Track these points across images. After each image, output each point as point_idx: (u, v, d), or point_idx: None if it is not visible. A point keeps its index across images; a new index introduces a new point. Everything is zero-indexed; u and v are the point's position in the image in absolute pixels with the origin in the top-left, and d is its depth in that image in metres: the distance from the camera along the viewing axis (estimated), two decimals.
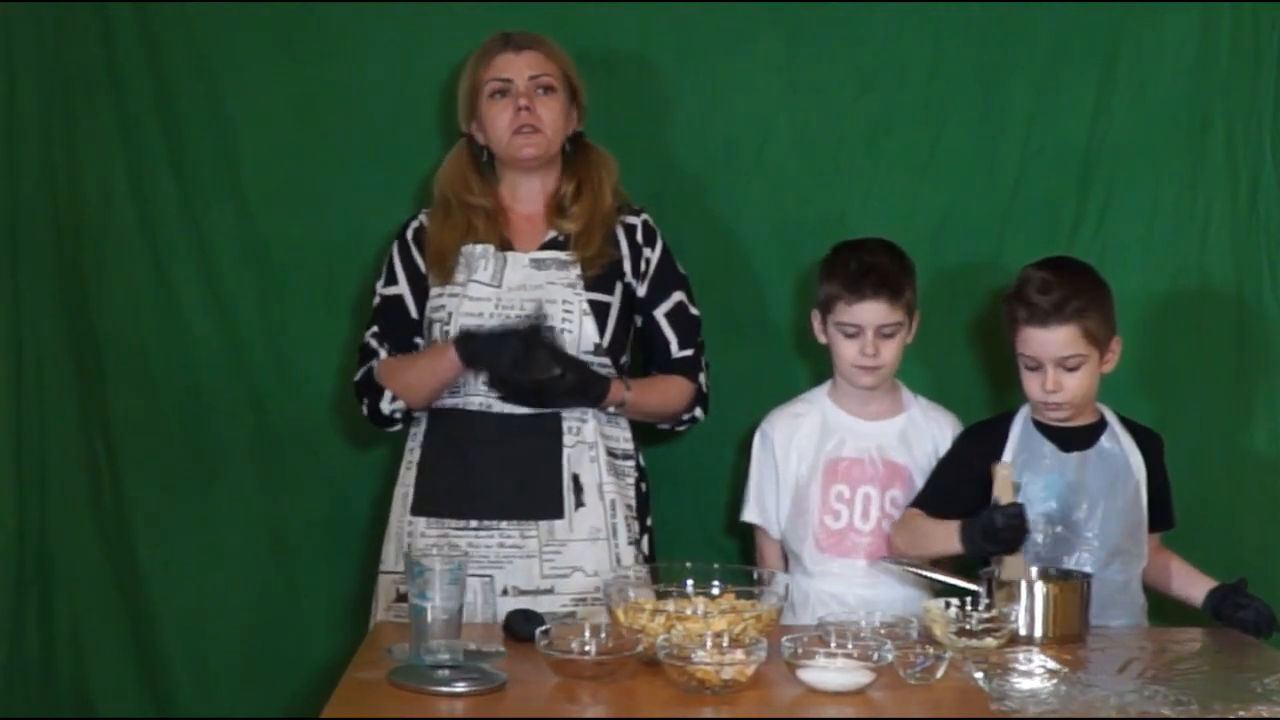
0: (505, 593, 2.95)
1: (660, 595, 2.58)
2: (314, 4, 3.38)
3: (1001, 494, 2.77)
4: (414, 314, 3.08)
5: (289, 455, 3.44)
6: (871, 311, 2.98)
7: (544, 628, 2.48)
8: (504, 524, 2.97)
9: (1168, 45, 3.33)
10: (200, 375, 3.43)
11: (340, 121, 3.39)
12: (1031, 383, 2.89)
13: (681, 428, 3.17)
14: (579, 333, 2.99)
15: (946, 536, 2.83)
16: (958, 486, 2.91)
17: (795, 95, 3.36)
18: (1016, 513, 2.74)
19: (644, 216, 3.13)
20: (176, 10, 3.38)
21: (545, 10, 3.31)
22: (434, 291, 3.06)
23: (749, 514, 3.15)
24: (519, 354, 2.87)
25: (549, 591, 2.94)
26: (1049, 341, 2.84)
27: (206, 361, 3.43)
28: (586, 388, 2.95)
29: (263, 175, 3.40)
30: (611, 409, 3.03)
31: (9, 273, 3.44)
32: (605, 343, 3.02)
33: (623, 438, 3.08)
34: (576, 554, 2.98)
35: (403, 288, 3.09)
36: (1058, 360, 2.85)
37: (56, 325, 3.44)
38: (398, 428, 3.10)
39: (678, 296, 3.12)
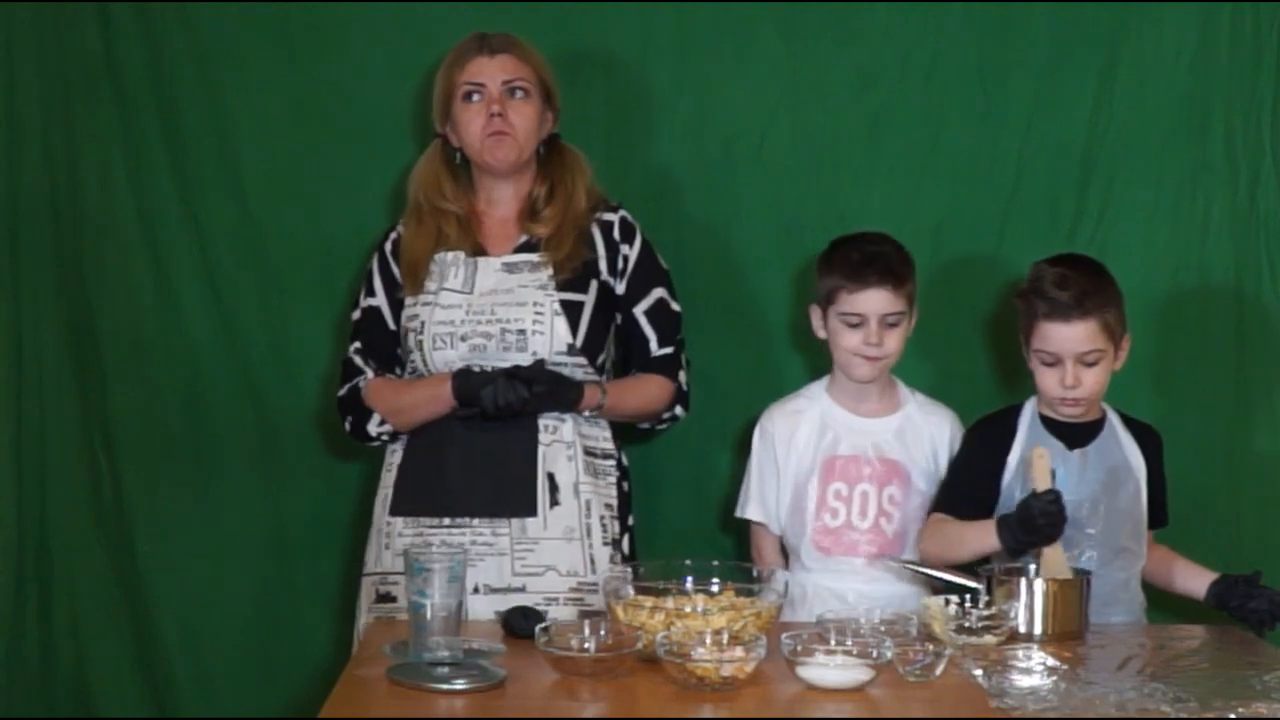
0: (477, 590, 2.93)
1: (657, 593, 2.58)
2: (313, 2, 3.38)
3: (1039, 481, 2.76)
4: (391, 325, 3.09)
5: (288, 452, 3.44)
6: (876, 300, 2.98)
7: (543, 625, 2.48)
8: (475, 521, 2.96)
9: (1167, 43, 3.33)
10: (200, 372, 3.44)
11: (340, 119, 3.39)
12: (1048, 378, 2.88)
13: (661, 426, 3.15)
14: (550, 334, 2.97)
15: (982, 535, 2.82)
16: (974, 483, 2.91)
17: (795, 93, 3.36)
18: (1054, 499, 2.72)
19: (621, 213, 3.10)
20: (176, 9, 3.39)
21: (545, 9, 3.31)
22: (408, 301, 3.05)
23: (750, 510, 3.14)
24: (507, 388, 2.88)
25: (520, 590, 2.92)
26: (1070, 337, 2.83)
27: (206, 358, 3.43)
28: (559, 395, 2.94)
29: (262, 173, 3.41)
30: (588, 413, 3.01)
31: (9, 271, 3.45)
32: (578, 343, 2.99)
33: (602, 437, 3.07)
34: (550, 553, 2.96)
35: (380, 299, 3.10)
36: (1078, 356, 2.84)
37: (56, 323, 3.45)
38: (378, 444, 3.11)
39: (658, 293, 3.10)
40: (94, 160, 3.42)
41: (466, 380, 2.93)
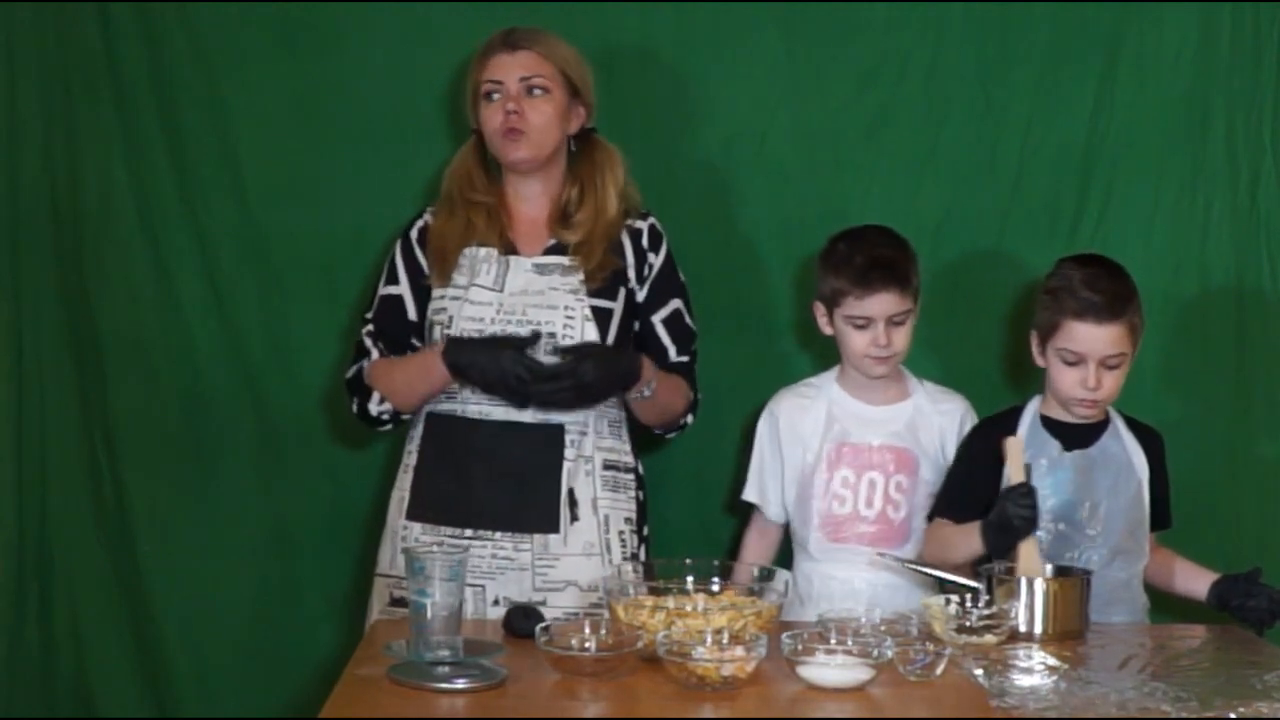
0: (497, 603, 2.92)
1: (660, 592, 2.58)
2: (314, 2, 3.38)
3: (1013, 471, 2.77)
4: (413, 315, 3.06)
5: (289, 451, 3.44)
6: (882, 303, 2.97)
7: (544, 624, 2.48)
8: (498, 535, 2.94)
9: (1168, 42, 3.33)
10: (200, 372, 3.44)
11: (340, 117, 3.39)
12: (1067, 378, 2.86)
13: (673, 434, 3.13)
14: (580, 339, 2.94)
15: (970, 539, 2.83)
16: (973, 486, 2.90)
17: (796, 91, 3.37)
18: (1026, 493, 2.73)
19: (651, 220, 3.08)
20: (176, 9, 3.39)
21: (545, 10, 3.30)
22: (435, 293, 3.02)
23: (749, 493, 3.15)
24: (517, 360, 2.83)
25: (541, 604, 2.87)
26: (1099, 338, 2.82)
27: (207, 358, 3.43)
28: (617, 365, 2.88)
29: (263, 172, 3.40)
30: (646, 392, 2.94)
31: (9, 271, 3.44)
32: None
33: (623, 450, 3.04)
34: (570, 568, 2.95)
35: (403, 288, 3.07)
36: (1103, 358, 2.83)
37: (57, 323, 3.45)
38: (388, 428, 3.08)
39: (675, 304, 3.07)
40: (94, 160, 3.42)
41: (458, 350, 2.88)
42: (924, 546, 2.98)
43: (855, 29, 3.35)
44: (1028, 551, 2.76)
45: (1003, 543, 2.77)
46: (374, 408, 3.03)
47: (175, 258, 3.42)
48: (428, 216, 3.09)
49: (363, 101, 3.38)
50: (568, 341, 2.93)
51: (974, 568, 2.81)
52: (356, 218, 3.37)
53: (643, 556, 3.04)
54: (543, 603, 2.89)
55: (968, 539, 2.84)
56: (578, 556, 2.95)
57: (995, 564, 2.79)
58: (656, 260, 3.07)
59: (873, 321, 2.98)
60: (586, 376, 2.85)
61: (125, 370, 3.44)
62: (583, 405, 2.92)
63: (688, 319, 3.10)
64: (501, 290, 2.99)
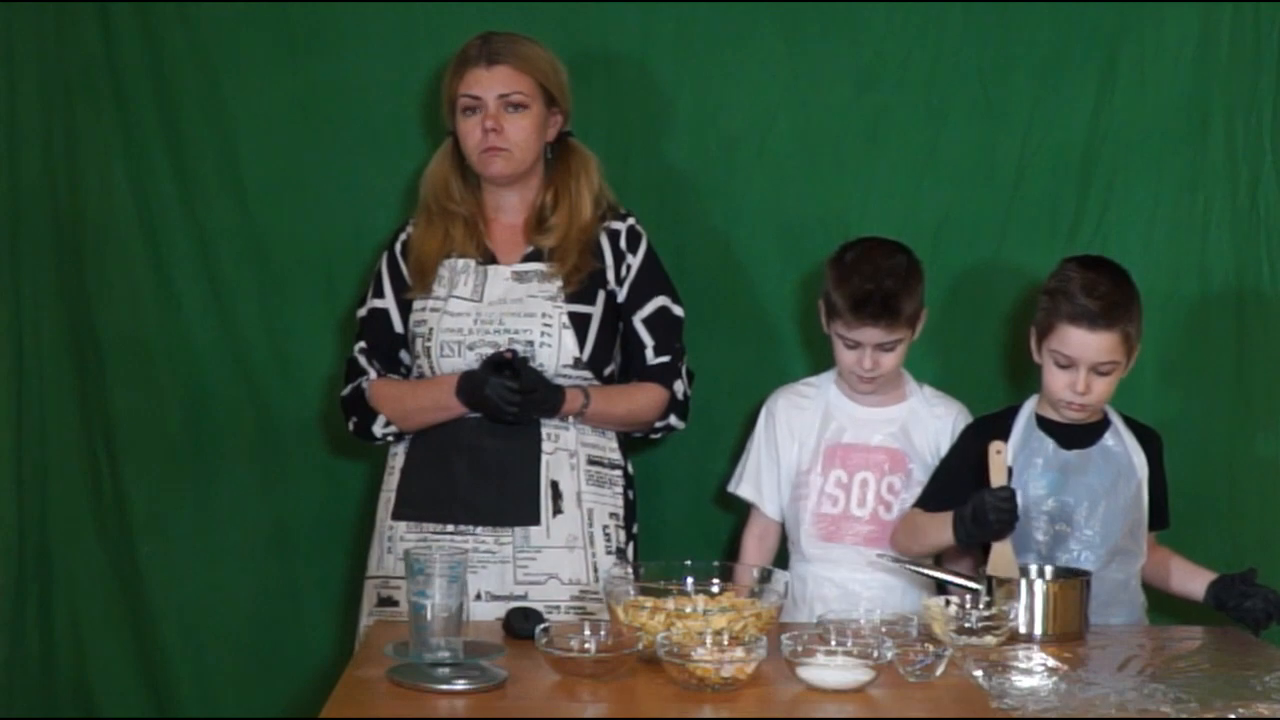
0: (479, 597, 2.94)
1: (657, 593, 2.58)
2: (314, 2, 3.38)
3: (995, 476, 2.77)
4: (399, 328, 3.08)
5: (289, 452, 3.45)
6: (870, 334, 2.97)
7: (544, 625, 2.48)
8: (479, 529, 2.96)
9: (1168, 43, 3.33)
10: (200, 373, 3.44)
11: (340, 119, 3.39)
12: (1058, 380, 2.86)
13: (656, 436, 3.13)
14: (558, 346, 2.96)
15: (940, 528, 2.84)
16: (958, 482, 2.90)
17: (796, 93, 3.36)
18: (1008, 496, 2.74)
19: (630, 221, 3.09)
20: (176, 9, 3.39)
21: (545, 10, 3.31)
22: (416, 304, 3.05)
23: (743, 489, 3.15)
24: (483, 380, 2.88)
25: (522, 598, 2.91)
26: (1091, 345, 2.82)
27: (207, 359, 3.43)
28: (540, 400, 2.91)
29: (263, 173, 3.40)
30: (572, 418, 2.99)
31: (10, 271, 3.45)
32: (585, 356, 2.98)
33: (609, 447, 3.06)
34: (552, 561, 2.96)
35: (388, 301, 3.09)
36: (1094, 364, 2.83)
37: (57, 323, 3.45)
38: (383, 443, 3.10)
39: (659, 301, 3.08)
40: (94, 160, 3.42)
41: (471, 386, 2.91)
42: (896, 534, 2.99)
43: (855, 29, 3.35)
44: (1001, 551, 2.76)
45: (974, 536, 2.78)
46: (379, 430, 3.06)
47: (175, 258, 3.43)
48: (410, 228, 3.10)
49: (363, 102, 3.39)
50: (545, 350, 2.95)
51: (975, 568, 2.81)
52: (356, 218, 3.38)
53: (630, 555, 3.05)
54: (524, 596, 2.91)
55: (938, 528, 2.84)
56: (560, 549, 2.97)
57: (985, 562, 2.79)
58: (635, 261, 3.07)
59: (861, 345, 2.99)
60: (510, 402, 2.88)
61: (125, 370, 3.44)
62: (496, 419, 2.93)
63: (674, 309, 3.09)
64: (480, 300, 3.00)
